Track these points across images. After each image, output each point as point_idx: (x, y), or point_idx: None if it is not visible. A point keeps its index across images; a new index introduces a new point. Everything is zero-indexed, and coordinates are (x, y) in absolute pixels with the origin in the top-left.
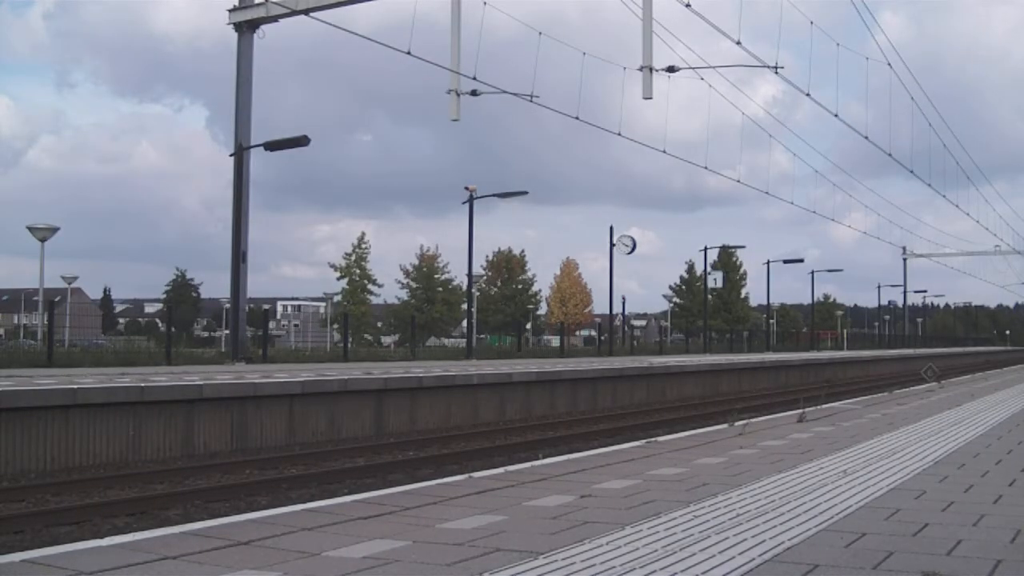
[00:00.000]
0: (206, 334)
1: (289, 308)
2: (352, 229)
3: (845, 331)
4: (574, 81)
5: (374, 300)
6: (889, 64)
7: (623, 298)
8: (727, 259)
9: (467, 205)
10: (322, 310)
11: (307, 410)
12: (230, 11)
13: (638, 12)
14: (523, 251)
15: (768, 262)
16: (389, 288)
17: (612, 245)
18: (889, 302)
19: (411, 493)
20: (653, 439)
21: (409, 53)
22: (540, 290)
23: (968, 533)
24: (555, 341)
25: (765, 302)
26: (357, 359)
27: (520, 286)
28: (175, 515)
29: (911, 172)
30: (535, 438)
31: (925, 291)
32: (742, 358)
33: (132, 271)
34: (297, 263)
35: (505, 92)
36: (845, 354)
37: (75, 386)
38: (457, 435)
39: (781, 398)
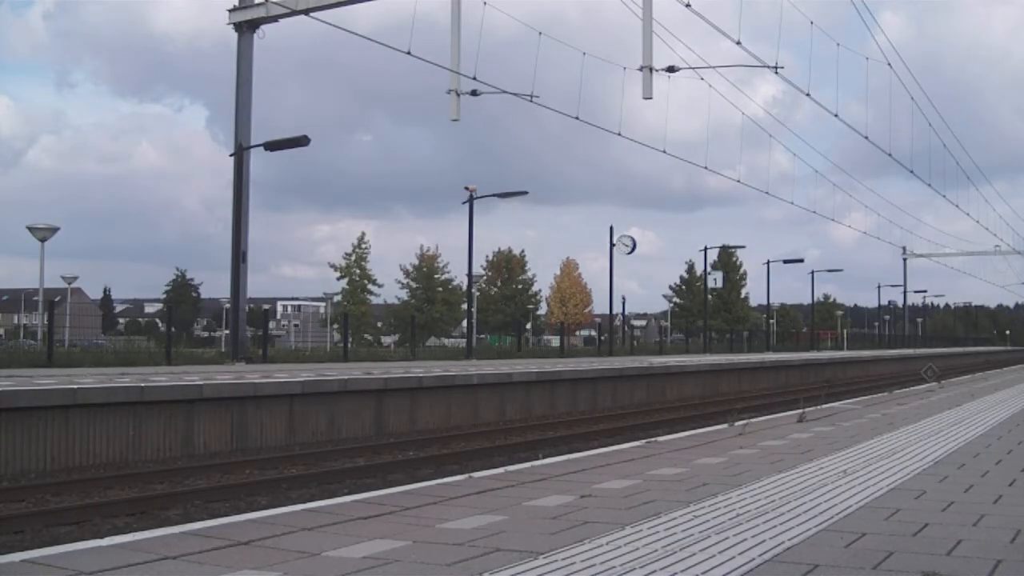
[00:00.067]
0: (206, 334)
1: (289, 308)
2: (352, 229)
3: (845, 331)
4: (574, 81)
5: (374, 300)
6: (889, 64)
7: (623, 298)
8: (727, 259)
9: (467, 205)
10: (322, 310)
11: (307, 410)
12: (230, 11)
13: (638, 12)
14: (523, 251)
15: (768, 262)
16: (389, 288)
17: (612, 245)
18: (889, 302)
19: (411, 493)
20: (653, 439)
21: (409, 53)
22: (540, 290)
23: (968, 533)
24: (555, 341)
25: (765, 302)
26: (357, 359)
27: (520, 286)
28: (175, 515)
29: (911, 172)
30: (535, 438)
31: (925, 291)
32: (742, 358)
33: (132, 271)
34: (297, 263)
35: (505, 92)
36: (845, 354)
37: (75, 386)
38: (457, 435)
39: (781, 398)
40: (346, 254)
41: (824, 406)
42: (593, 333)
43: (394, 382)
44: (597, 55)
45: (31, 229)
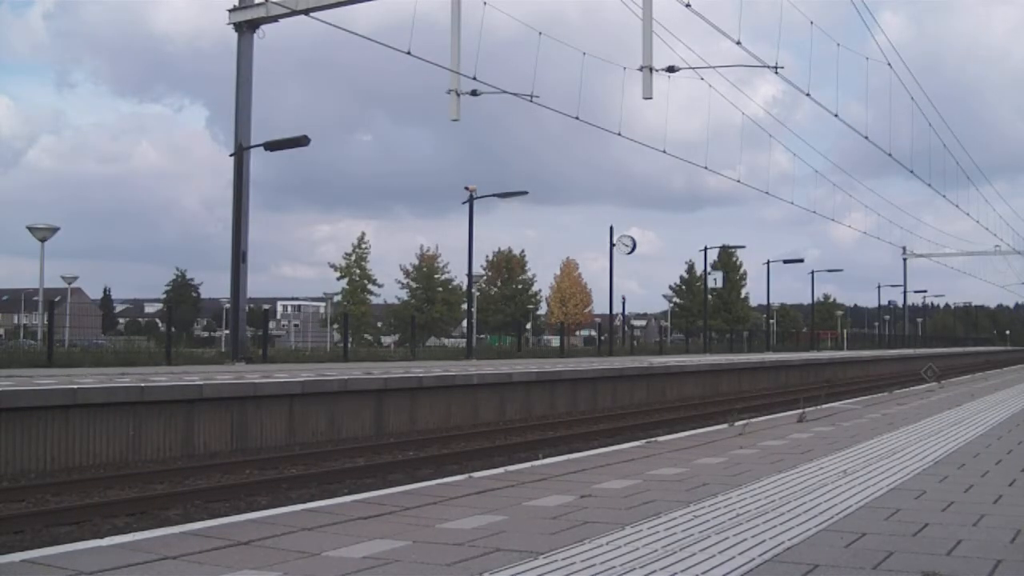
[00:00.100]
0: (206, 334)
1: (289, 308)
2: (352, 229)
3: (845, 331)
4: (574, 81)
5: (374, 300)
6: (889, 64)
7: (623, 298)
8: (727, 259)
9: (467, 205)
10: (322, 310)
11: (307, 410)
12: (230, 11)
13: (638, 12)
14: (523, 251)
15: (768, 262)
16: (389, 288)
17: (612, 245)
18: (889, 302)
19: (411, 493)
20: (653, 439)
21: (409, 53)
22: (540, 290)
23: (968, 533)
24: (555, 341)
25: (765, 302)
26: (357, 359)
27: (520, 286)
28: (175, 515)
29: (911, 172)
30: (535, 438)
31: (925, 291)
32: (742, 358)
33: (132, 271)
34: (297, 263)
35: (505, 92)
36: (845, 354)
37: (75, 386)
38: (457, 435)
39: (781, 398)
40: (346, 254)
41: (824, 406)
42: (593, 333)
43: (394, 382)
44: (597, 55)
45: (31, 229)
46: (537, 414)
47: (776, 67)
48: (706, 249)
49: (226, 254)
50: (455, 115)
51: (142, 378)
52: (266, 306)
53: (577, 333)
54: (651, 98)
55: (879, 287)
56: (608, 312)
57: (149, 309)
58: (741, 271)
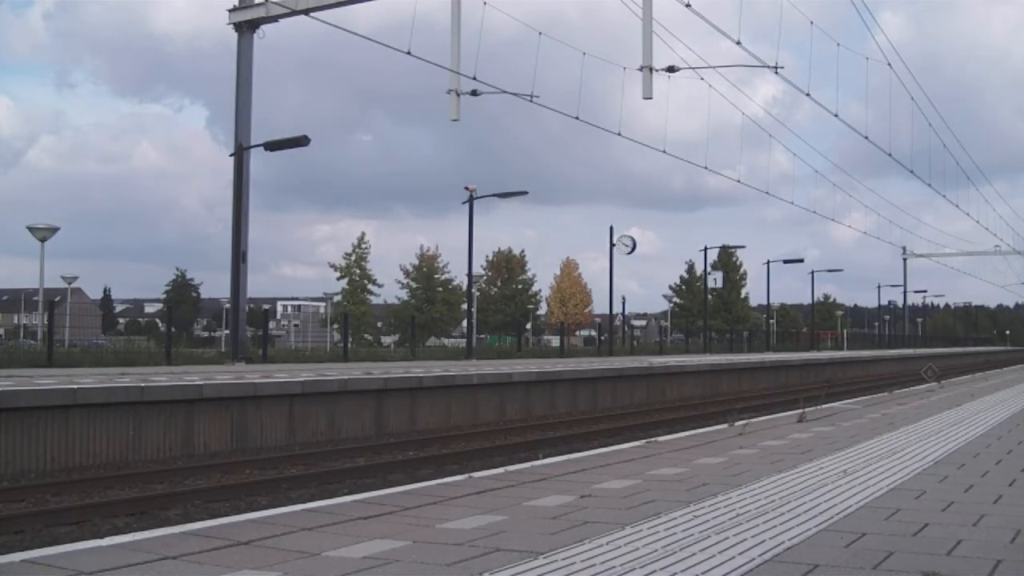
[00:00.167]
0: (206, 334)
1: (289, 308)
2: (352, 229)
3: (845, 331)
4: (574, 81)
5: (374, 300)
6: (889, 64)
7: (623, 298)
8: (727, 259)
9: (467, 205)
10: (322, 310)
11: (307, 410)
12: (230, 11)
13: (638, 12)
14: (523, 251)
15: (768, 262)
16: (389, 288)
17: (612, 245)
18: (889, 302)
19: (411, 493)
20: (653, 439)
21: (409, 53)
22: (540, 290)
23: (968, 533)
24: (555, 341)
25: (765, 302)
26: (357, 359)
27: (520, 286)
28: (175, 515)
29: (911, 172)
30: (535, 438)
31: (925, 291)
32: (742, 358)
33: (132, 271)
34: (297, 263)
35: (505, 92)
36: (845, 354)
37: (75, 386)
38: (457, 435)
39: (781, 398)
40: (346, 254)
41: (824, 406)
42: (593, 333)
43: (394, 382)
44: (597, 55)
45: (31, 229)
46: (537, 414)
47: (776, 67)
48: (706, 249)
49: (226, 254)
50: (455, 115)
51: (142, 378)
52: (266, 306)
53: (577, 333)
54: (651, 98)
55: (879, 287)
56: (608, 312)
57: (149, 309)
58: (741, 271)
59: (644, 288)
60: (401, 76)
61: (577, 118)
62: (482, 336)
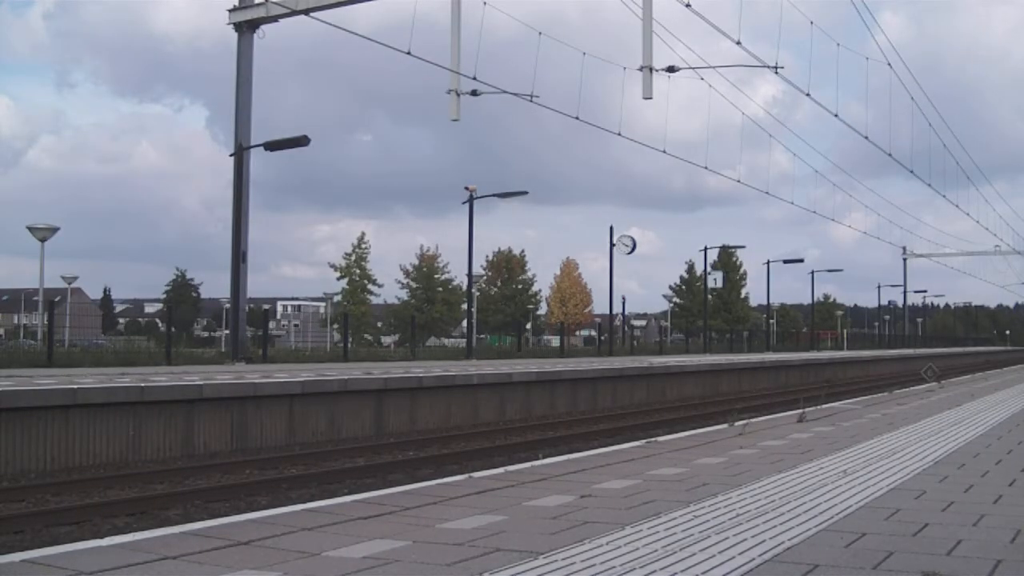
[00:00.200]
0: (206, 334)
1: (289, 308)
2: (352, 229)
3: (845, 331)
4: (574, 81)
5: (374, 300)
6: (889, 64)
7: (623, 298)
8: (727, 259)
9: (467, 205)
10: (322, 310)
11: (307, 410)
12: (230, 11)
13: (638, 12)
14: (523, 251)
15: (768, 262)
16: (389, 288)
17: (612, 245)
18: (889, 302)
19: (411, 493)
20: (653, 439)
21: (409, 53)
22: (540, 290)
23: (968, 533)
24: (555, 341)
25: (765, 302)
26: (357, 359)
27: (520, 286)
28: (175, 515)
29: (911, 172)
30: (535, 438)
31: (925, 291)
32: (742, 358)
33: (132, 271)
34: (297, 263)
35: (505, 92)
36: (845, 354)
37: (75, 386)
38: (457, 435)
39: (781, 398)
40: (346, 254)
41: (824, 406)
42: (593, 333)
43: (394, 382)
44: (597, 55)
45: (31, 229)
46: (537, 414)
47: (776, 67)
48: (706, 249)
49: (226, 254)
50: (455, 115)
51: (142, 378)
52: (266, 306)
53: (577, 333)
54: (651, 98)
55: (879, 287)
56: (608, 312)
57: (149, 309)
58: (741, 271)
59: (644, 288)
60: (401, 76)
61: (577, 118)
62: (482, 336)
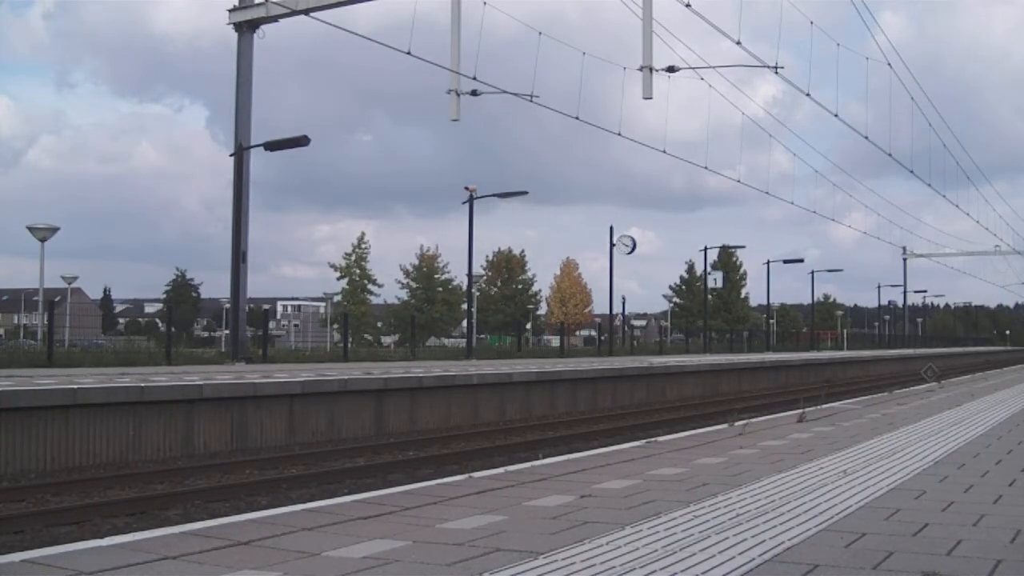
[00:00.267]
0: (206, 334)
1: (289, 308)
2: (352, 229)
3: (845, 331)
4: (574, 81)
5: (374, 300)
6: (889, 64)
7: (623, 298)
8: (727, 259)
9: (467, 205)
10: (322, 310)
11: (307, 410)
12: (230, 11)
13: (638, 12)
14: (523, 251)
15: (768, 262)
16: (389, 288)
17: (612, 245)
18: (889, 302)
19: (411, 493)
20: (653, 439)
21: (409, 53)
22: (540, 290)
23: (968, 533)
24: (555, 341)
25: (765, 302)
26: (357, 359)
27: (520, 286)
28: (175, 515)
29: (911, 172)
30: (535, 438)
31: (925, 291)
32: (742, 358)
33: (132, 271)
34: (297, 263)
35: (505, 92)
36: (845, 354)
37: (75, 386)
38: (457, 435)
39: (781, 398)
40: (346, 254)
41: (824, 406)
42: (593, 333)
43: (394, 382)
44: (597, 55)
45: (31, 229)
46: (537, 414)
47: (776, 67)
48: (706, 249)
49: (226, 254)
50: (455, 115)
51: (142, 378)
52: (266, 306)
53: (577, 333)
54: (651, 98)
55: (879, 287)
56: (608, 312)
57: (149, 309)
58: (741, 271)
59: (644, 288)
60: (401, 76)
61: (577, 118)
62: (482, 336)
